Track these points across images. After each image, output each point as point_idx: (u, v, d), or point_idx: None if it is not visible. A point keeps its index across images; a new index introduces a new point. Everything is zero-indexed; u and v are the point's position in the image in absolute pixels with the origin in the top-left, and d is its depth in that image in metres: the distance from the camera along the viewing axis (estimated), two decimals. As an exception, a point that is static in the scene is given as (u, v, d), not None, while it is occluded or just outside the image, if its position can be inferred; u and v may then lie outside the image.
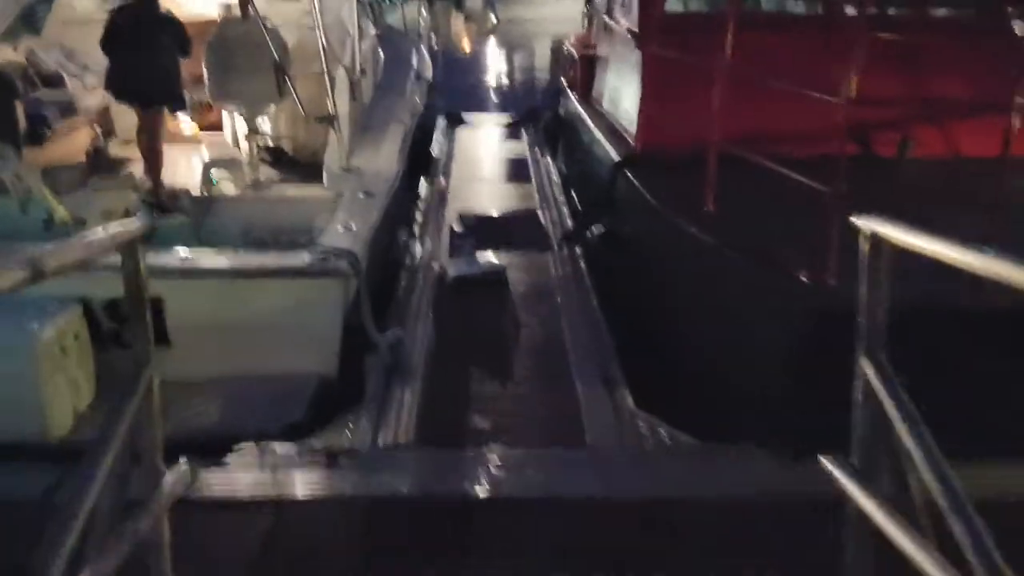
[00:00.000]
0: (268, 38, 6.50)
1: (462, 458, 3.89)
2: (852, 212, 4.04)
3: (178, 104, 7.04)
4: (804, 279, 4.19)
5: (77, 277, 3.93)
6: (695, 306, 4.80)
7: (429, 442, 4.14)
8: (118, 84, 6.71)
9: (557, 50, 12.69)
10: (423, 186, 9.13)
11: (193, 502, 3.53)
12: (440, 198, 8.75)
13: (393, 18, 12.30)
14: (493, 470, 3.76)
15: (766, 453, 3.81)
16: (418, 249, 7.15)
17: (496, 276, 6.20)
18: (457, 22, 20.60)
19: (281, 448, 3.94)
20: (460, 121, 12.96)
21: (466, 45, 19.76)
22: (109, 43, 6.61)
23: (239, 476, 3.74)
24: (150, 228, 2.42)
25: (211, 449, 3.90)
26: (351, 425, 4.26)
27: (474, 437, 4.18)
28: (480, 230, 6.84)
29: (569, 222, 7.78)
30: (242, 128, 7.24)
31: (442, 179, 9.60)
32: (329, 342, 4.76)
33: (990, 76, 6.50)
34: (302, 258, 4.79)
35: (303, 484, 3.67)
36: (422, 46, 12.17)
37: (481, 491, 3.62)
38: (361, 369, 4.80)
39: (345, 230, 5.29)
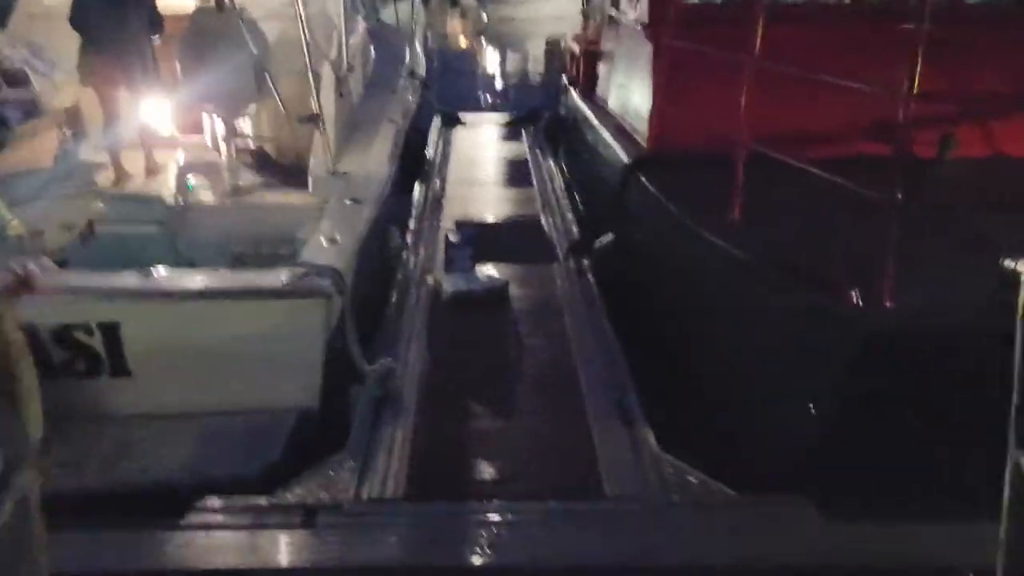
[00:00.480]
0: (246, 31, 5.97)
1: (460, 516, 3.34)
2: (908, 220, 3.58)
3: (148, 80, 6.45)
4: (854, 300, 3.63)
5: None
6: (723, 330, 4.25)
7: (422, 494, 3.59)
8: (86, 64, 6.22)
9: (553, 48, 12.26)
10: (417, 191, 8.57)
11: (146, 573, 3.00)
12: (435, 204, 8.19)
13: (386, 14, 11.77)
14: (497, 531, 3.21)
15: (819, 510, 3.26)
16: (411, 262, 6.59)
17: (497, 292, 5.65)
18: (453, 19, 20.10)
19: (251, 503, 3.39)
20: (456, 121, 12.46)
21: (462, 42, 19.22)
22: (77, 19, 6.14)
23: (199, 539, 3.19)
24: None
25: (174, 499, 3.39)
26: (332, 472, 3.71)
27: (474, 487, 3.64)
28: (479, 240, 6.28)
29: (575, 230, 7.22)
30: (221, 130, 6.69)
31: (437, 183, 9.04)
32: (310, 372, 4.21)
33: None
34: (279, 276, 4.24)
35: (275, 550, 3.13)
36: (416, 42, 11.66)
37: (482, 558, 3.07)
38: (346, 403, 4.26)
39: (329, 242, 4.75)
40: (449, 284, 5.71)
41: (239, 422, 4.07)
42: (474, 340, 5.13)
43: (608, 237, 6.21)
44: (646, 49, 6.33)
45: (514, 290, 5.78)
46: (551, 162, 9.92)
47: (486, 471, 3.77)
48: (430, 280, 6.02)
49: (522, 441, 4.02)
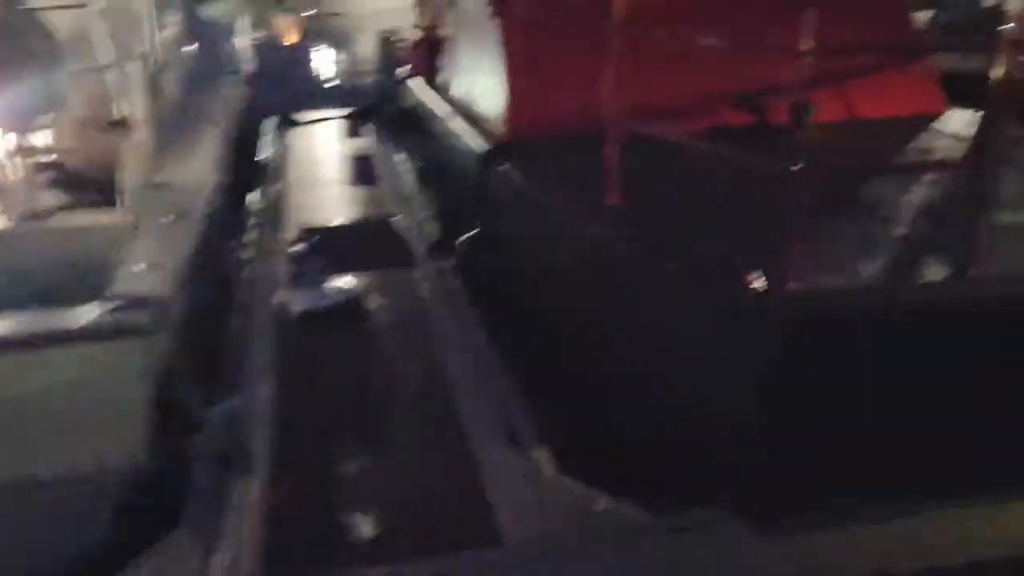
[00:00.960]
0: (31, 24, 5.09)
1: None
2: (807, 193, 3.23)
3: None
4: (762, 286, 3.22)
5: None
6: (619, 331, 3.78)
7: (284, 567, 2.94)
8: None
9: (388, 41, 11.83)
10: (252, 200, 7.75)
11: None
12: (275, 213, 7.40)
13: (210, 9, 10.86)
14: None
15: (748, 526, 2.85)
16: (252, 281, 5.82)
17: (353, 306, 5.01)
18: (281, 14, 19.09)
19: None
20: (292, 121, 11.66)
21: (292, 38, 18.24)
22: None
23: None
24: None
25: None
26: (169, 552, 3.00)
27: (348, 551, 3.02)
28: (328, 248, 5.61)
29: (434, 228, 6.65)
30: (10, 144, 5.71)
31: (276, 190, 8.24)
32: (132, 427, 3.47)
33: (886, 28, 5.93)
34: (87, 315, 3.51)
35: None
36: (243, 38, 10.83)
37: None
38: (182, 461, 3.53)
39: (148, 268, 4.00)
40: (297, 302, 5.02)
41: (45, 497, 3.31)
42: (332, 366, 4.46)
43: (471, 234, 5.67)
44: (494, 25, 5.83)
45: (372, 302, 5.15)
46: (399, 157, 9.31)
47: (361, 528, 3.15)
48: (275, 300, 5.29)
49: (399, 485, 3.43)
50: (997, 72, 2.98)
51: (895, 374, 3.03)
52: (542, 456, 3.49)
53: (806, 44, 2.96)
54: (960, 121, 5.65)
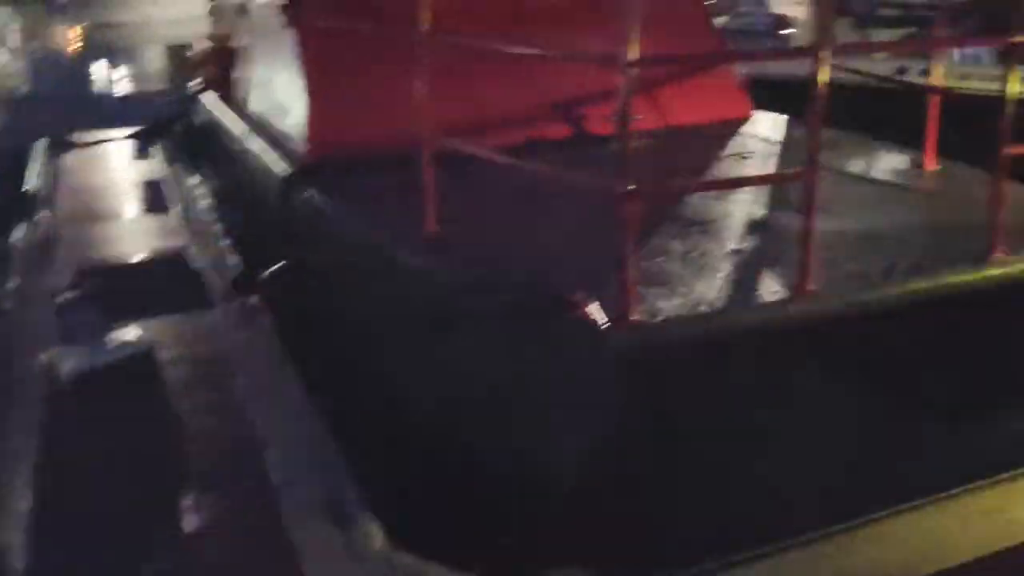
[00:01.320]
0: None
1: None
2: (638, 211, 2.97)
3: None
4: (595, 317, 2.91)
5: None
6: (448, 376, 3.36)
7: None
8: None
9: (178, 52, 11.00)
10: (16, 237, 6.73)
11: None
12: (44, 253, 6.44)
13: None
14: None
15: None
16: (12, 339, 4.95)
17: (138, 362, 4.29)
18: (54, 26, 17.40)
19: None
20: (66, 143, 10.44)
21: (67, 51, 16.65)
22: None
23: None
24: None
25: None
26: None
27: None
28: (107, 292, 4.83)
29: (235, 262, 5.97)
30: None
31: (45, 224, 7.21)
32: None
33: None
34: None
35: None
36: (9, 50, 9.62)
37: None
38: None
39: None
40: (69, 362, 4.24)
41: None
42: (113, 438, 3.75)
43: (277, 268, 5.08)
44: (289, 36, 5.28)
45: (163, 353, 4.45)
46: (193, 181, 8.48)
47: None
48: (43, 359, 4.48)
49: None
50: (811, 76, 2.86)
51: (740, 401, 2.83)
52: (370, 529, 3.02)
53: (630, 52, 2.68)
54: (767, 124, 5.71)
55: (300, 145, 5.09)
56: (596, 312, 2.84)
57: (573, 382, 2.93)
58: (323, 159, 4.77)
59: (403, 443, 3.34)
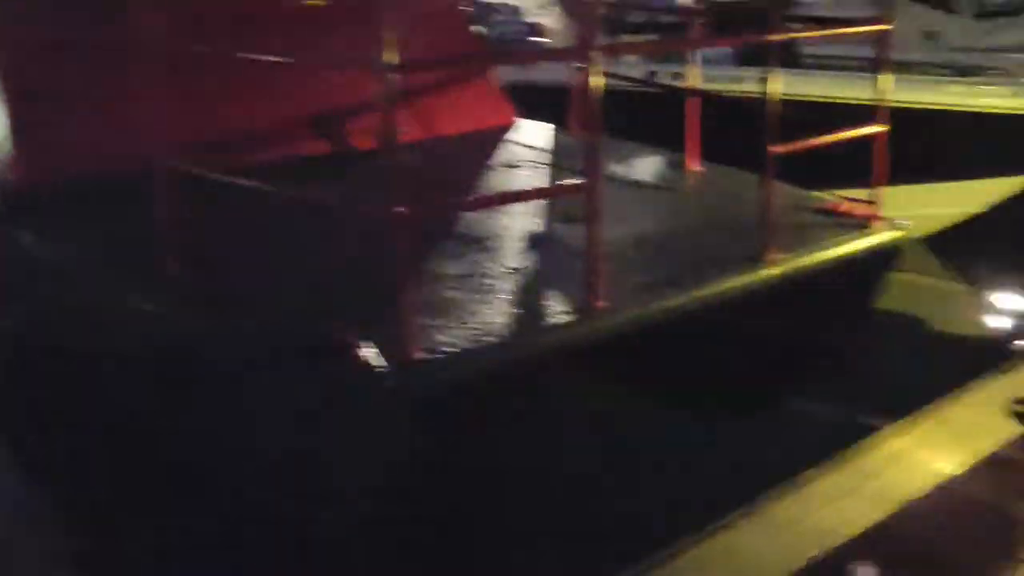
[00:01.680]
0: None
1: None
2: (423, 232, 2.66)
3: None
4: (372, 360, 2.54)
5: None
6: (207, 436, 2.86)
7: None
8: None
9: None
10: None
11: None
12: None
13: None
14: None
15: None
16: None
17: None
18: None
19: None
20: None
21: None
22: None
23: None
24: None
25: None
26: None
27: None
28: None
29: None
30: None
31: None
32: None
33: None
34: None
35: None
36: None
37: None
38: None
39: None
40: None
41: None
42: None
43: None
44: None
45: None
46: None
47: None
48: None
49: None
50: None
51: (535, 428, 2.62)
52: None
53: (390, 59, 2.36)
54: (530, 132, 5.59)
55: (3, 173, 4.29)
56: (371, 355, 2.48)
57: (353, 431, 2.56)
58: (34, 188, 4.03)
59: (157, 531, 2.80)
